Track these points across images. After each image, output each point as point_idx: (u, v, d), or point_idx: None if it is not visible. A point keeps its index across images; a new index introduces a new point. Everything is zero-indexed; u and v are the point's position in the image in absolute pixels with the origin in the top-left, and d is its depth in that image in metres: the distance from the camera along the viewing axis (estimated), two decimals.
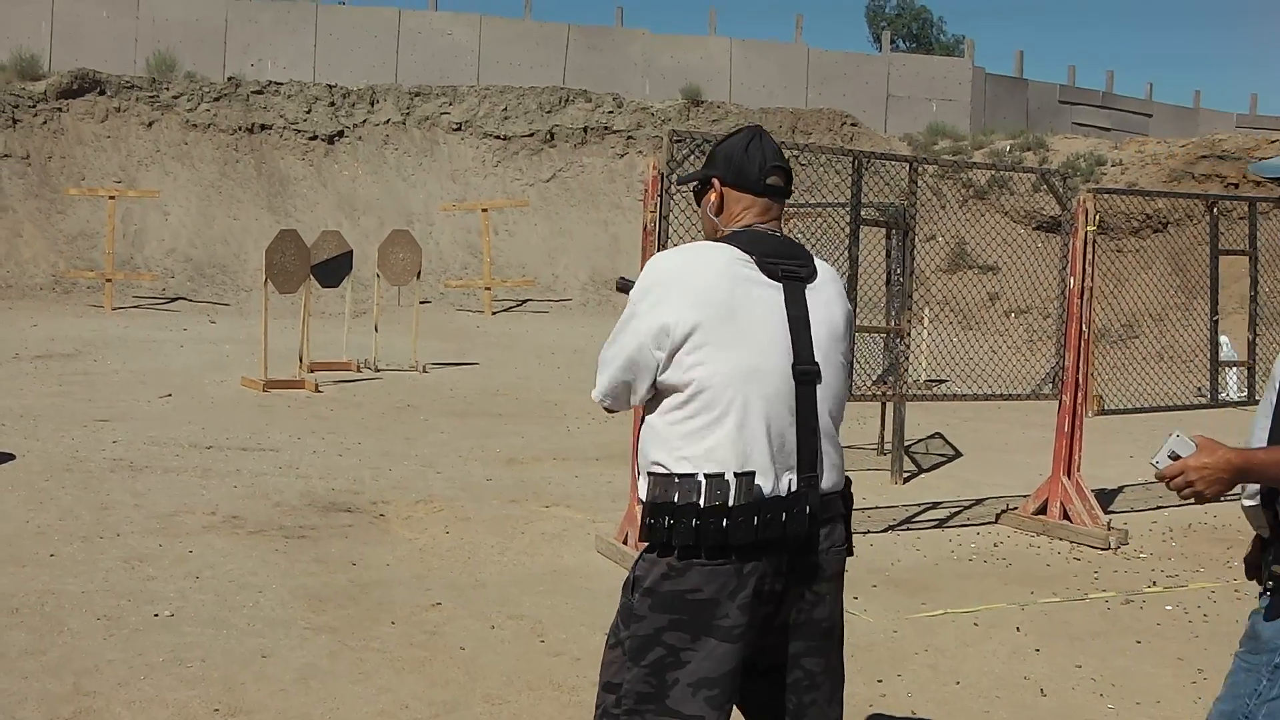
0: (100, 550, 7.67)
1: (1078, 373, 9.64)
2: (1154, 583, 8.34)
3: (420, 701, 5.56)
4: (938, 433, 13.81)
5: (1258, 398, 11.69)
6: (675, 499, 3.39)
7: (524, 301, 26.82)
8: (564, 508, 9.57)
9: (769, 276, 3.51)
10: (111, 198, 23.52)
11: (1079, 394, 9.66)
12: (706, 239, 3.73)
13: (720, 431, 3.40)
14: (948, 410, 14.92)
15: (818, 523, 3.50)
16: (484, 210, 26.70)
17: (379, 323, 17.33)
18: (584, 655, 6.27)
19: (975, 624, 7.20)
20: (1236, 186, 24.84)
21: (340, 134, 29.18)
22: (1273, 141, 26.82)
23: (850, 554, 3.68)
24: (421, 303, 19.90)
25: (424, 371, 16.93)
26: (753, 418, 3.41)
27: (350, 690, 5.65)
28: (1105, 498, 10.63)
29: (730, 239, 3.57)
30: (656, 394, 3.51)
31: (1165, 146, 28.70)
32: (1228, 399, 12.70)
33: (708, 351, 3.41)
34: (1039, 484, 9.93)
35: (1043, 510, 9.74)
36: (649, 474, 3.48)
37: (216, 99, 28.27)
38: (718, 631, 3.38)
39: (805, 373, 3.49)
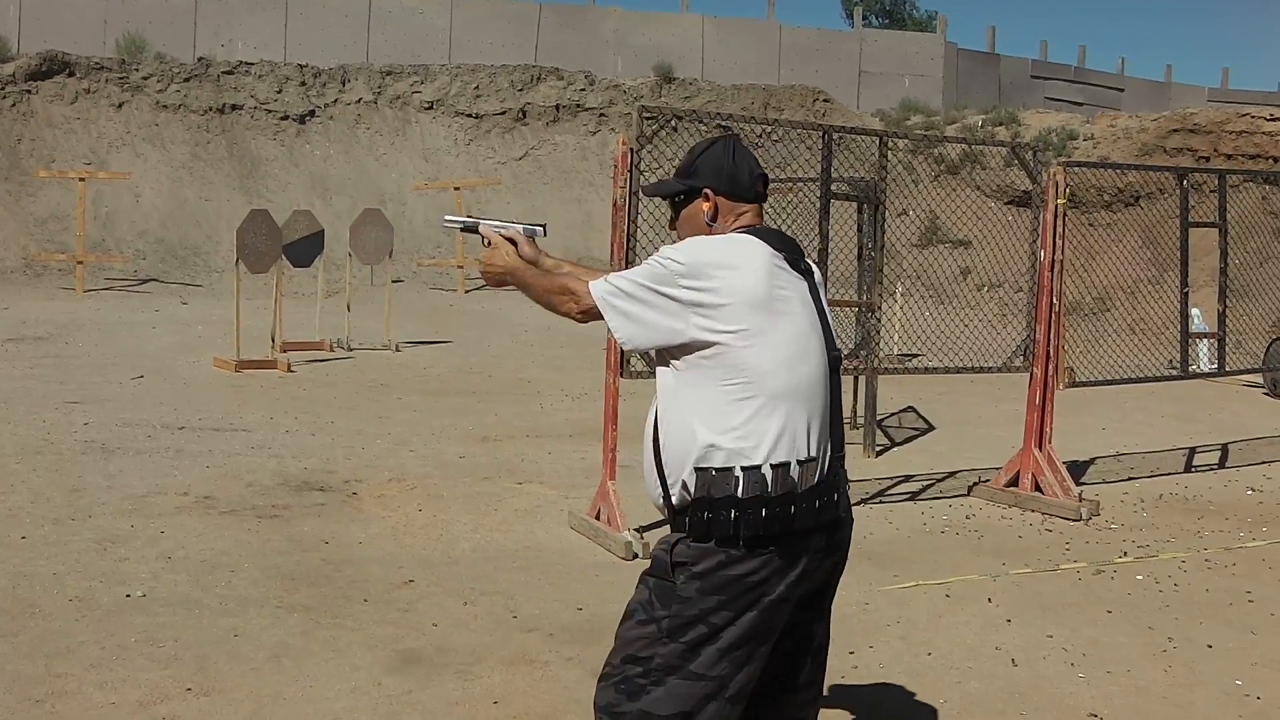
0: (72, 532, 7.65)
1: (1048, 345, 9.66)
2: (1125, 553, 8.38)
3: (393, 678, 5.57)
4: (910, 406, 13.85)
5: (1228, 369, 11.80)
6: (739, 493, 3.50)
7: None
8: (537, 484, 9.58)
9: (795, 270, 3.70)
10: (82, 180, 23.39)
11: (1050, 367, 9.69)
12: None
13: (778, 420, 3.54)
14: (920, 385, 14.94)
15: (845, 495, 3.75)
16: (456, 189, 26.65)
17: (351, 302, 17.29)
18: (556, 630, 6.29)
19: (947, 595, 7.23)
20: (1208, 160, 24.89)
21: (311, 114, 29.06)
22: (1243, 115, 26.88)
23: None
24: (394, 282, 19.84)
25: (397, 350, 16.90)
26: (803, 404, 3.58)
27: (323, 668, 5.65)
28: (1077, 470, 10.68)
29: (756, 233, 3.72)
30: (692, 370, 3.61)
31: (1137, 121, 28.74)
32: (1198, 370, 12.77)
33: (757, 340, 3.54)
34: (1011, 457, 9.97)
35: (1014, 483, 9.77)
36: (699, 469, 3.56)
37: (187, 80, 28.12)
38: (759, 605, 3.54)
39: (835, 358, 3.74)
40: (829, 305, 3.86)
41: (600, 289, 3.68)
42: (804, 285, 3.72)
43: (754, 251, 3.63)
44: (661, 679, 3.55)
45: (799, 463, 3.55)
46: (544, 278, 3.99)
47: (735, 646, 3.54)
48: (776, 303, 3.59)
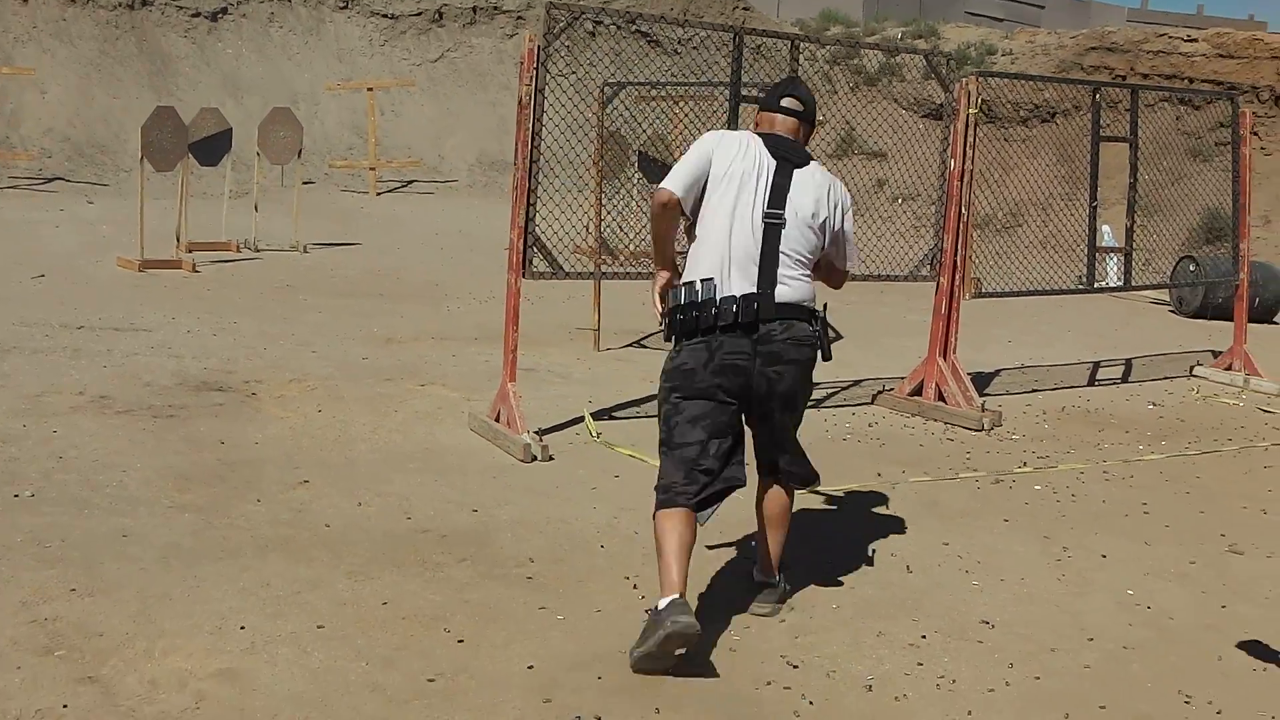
0: None
1: (955, 255, 9.66)
2: (1025, 464, 8.43)
3: (282, 579, 5.49)
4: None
5: (1137, 283, 11.86)
6: (673, 301, 5.21)
7: (409, 183, 26.51)
8: (439, 386, 9.49)
9: (772, 156, 5.25)
10: None
11: (956, 276, 9.69)
12: None
13: (705, 250, 5.18)
14: (831, 294, 14.92)
15: (770, 318, 5.11)
16: (369, 90, 26.29)
17: (260, 203, 17.05)
18: (450, 532, 6.23)
19: (846, 502, 7.24)
20: (1124, 79, 24.98)
21: (224, 11, 28.48)
22: (1161, 35, 26.98)
23: (827, 358, 5.45)
24: (305, 183, 19.60)
25: (305, 252, 16.70)
26: (727, 242, 5.13)
27: (212, 569, 5.56)
28: (981, 380, 10.72)
29: (760, 134, 5.40)
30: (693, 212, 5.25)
31: (1056, 38, 28.81)
32: (1106, 285, 12.85)
33: (715, 193, 5.19)
34: (916, 366, 9.98)
35: (918, 392, 9.80)
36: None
37: None
38: (696, 390, 5.14)
39: (771, 215, 5.17)
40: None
41: (665, 181, 5.26)
42: (770, 165, 5.22)
43: (736, 140, 5.32)
44: (664, 445, 5.24)
45: (702, 281, 5.11)
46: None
47: (696, 419, 5.14)
48: (727, 175, 5.17)
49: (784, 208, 5.18)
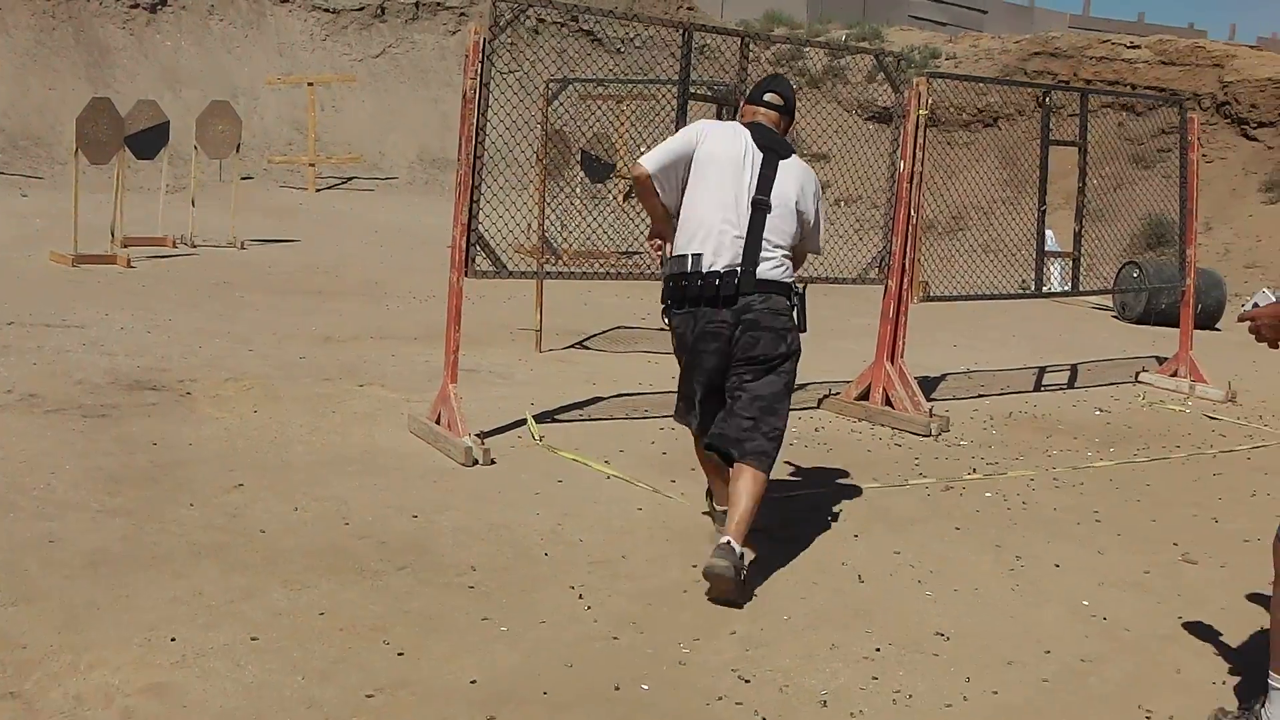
0: None
1: (904, 258, 9.57)
2: (974, 470, 8.33)
3: (215, 587, 5.30)
4: None
5: (1081, 288, 11.82)
6: (671, 270, 5.94)
7: (349, 179, 26.27)
8: (379, 387, 9.30)
9: (758, 148, 5.92)
10: None
11: (905, 280, 9.59)
12: None
13: (694, 227, 5.86)
14: None
15: (751, 292, 5.80)
16: (310, 85, 26.03)
17: (197, 198, 16.80)
18: (389, 539, 6.05)
19: (793, 509, 7.11)
20: (1067, 83, 25.09)
21: (163, 2, 28.16)
22: (1104, 41, 27.09)
23: (803, 330, 6.06)
24: (244, 179, 19.35)
25: (243, 248, 16.48)
26: (717, 222, 5.82)
27: (142, 576, 5.36)
28: (928, 385, 10.64)
29: (746, 124, 6.11)
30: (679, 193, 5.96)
31: (999, 42, 28.91)
32: (1051, 290, 12.81)
33: (706, 176, 5.88)
34: (863, 370, 9.88)
35: (865, 396, 9.70)
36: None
37: None
38: (685, 349, 6.03)
39: (759, 202, 5.86)
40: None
41: (642, 158, 5.99)
42: (758, 157, 5.89)
43: (722, 129, 6.07)
44: (678, 382, 6.26)
45: (691, 255, 5.83)
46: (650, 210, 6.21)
47: (684, 376, 6.15)
48: (716, 161, 5.87)
49: (770, 195, 5.88)
